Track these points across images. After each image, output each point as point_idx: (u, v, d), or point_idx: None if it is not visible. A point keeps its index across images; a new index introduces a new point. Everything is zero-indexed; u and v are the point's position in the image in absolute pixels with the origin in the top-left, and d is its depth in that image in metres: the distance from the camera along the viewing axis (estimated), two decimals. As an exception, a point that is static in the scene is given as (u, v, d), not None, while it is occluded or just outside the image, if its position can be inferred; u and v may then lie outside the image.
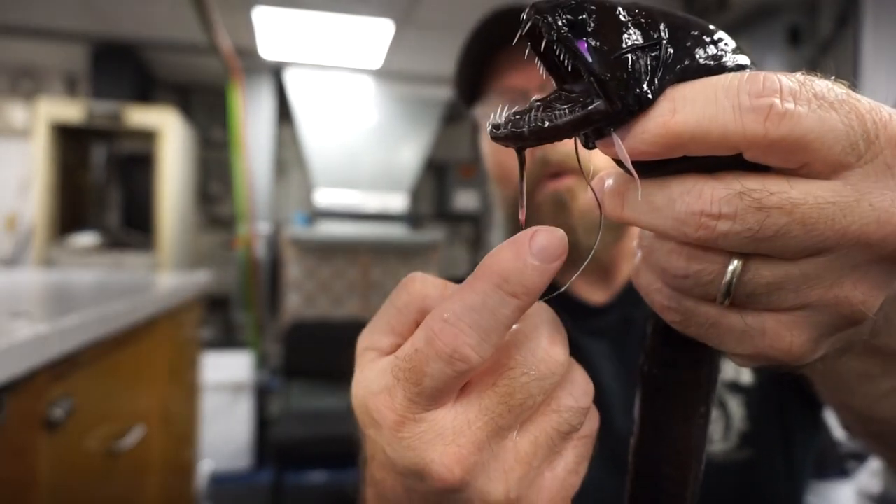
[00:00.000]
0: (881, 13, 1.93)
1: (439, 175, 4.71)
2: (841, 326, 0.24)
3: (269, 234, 3.99)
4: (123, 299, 1.24)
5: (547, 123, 0.24)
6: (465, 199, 4.49)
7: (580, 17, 0.24)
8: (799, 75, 0.23)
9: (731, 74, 0.23)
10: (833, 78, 0.24)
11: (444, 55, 3.67)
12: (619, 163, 0.25)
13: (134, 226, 3.99)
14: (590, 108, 0.23)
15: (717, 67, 0.24)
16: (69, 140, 3.60)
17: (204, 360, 2.26)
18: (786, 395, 0.72)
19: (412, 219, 4.31)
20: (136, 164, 4.07)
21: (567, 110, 0.24)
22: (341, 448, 2.97)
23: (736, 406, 0.70)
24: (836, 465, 1.58)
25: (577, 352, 0.79)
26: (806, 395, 0.72)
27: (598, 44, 0.23)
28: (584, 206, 0.70)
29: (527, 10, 0.25)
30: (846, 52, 2.05)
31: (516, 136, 0.24)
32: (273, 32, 3.40)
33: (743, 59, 0.25)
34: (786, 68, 2.13)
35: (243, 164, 3.62)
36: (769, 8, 2.16)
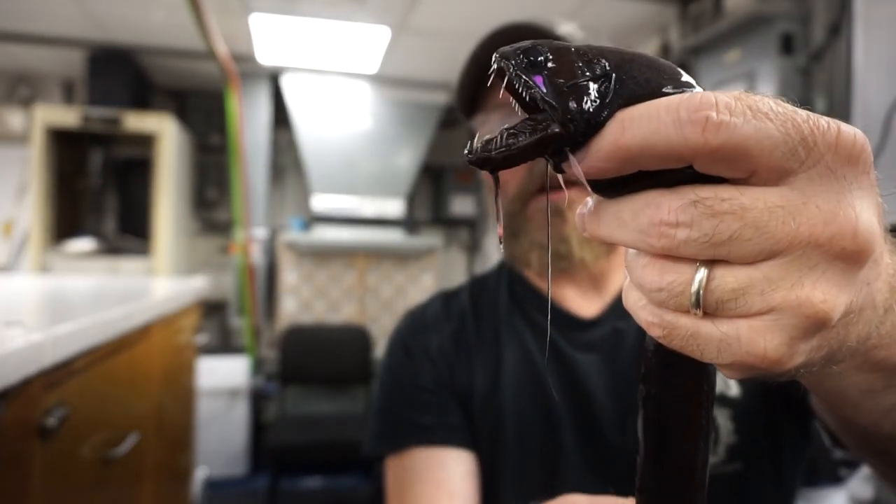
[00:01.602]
0: (873, 22, 1.94)
1: (436, 180, 4.72)
2: (810, 328, 0.25)
3: (265, 240, 3.99)
4: (119, 306, 1.25)
5: (511, 148, 0.27)
6: (461, 205, 4.49)
7: (537, 58, 0.27)
8: (736, 92, 0.25)
9: (674, 95, 0.26)
10: (768, 95, 0.26)
11: (440, 60, 3.69)
12: (583, 184, 0.28)
13: (130, 231, 3.99)
14: (547, 132, 0.26)
15: (662, 92, 0.27)
16: (66, 146, 3.60)
17: (200, 366, 2.26)
18: (774, 406, 0.72)
19: (409, 224, 4.31)
20: (133, 170, 4.07)
21: (528, 135, 0.27)
22: (337, 453, 2.97)
23: (723, 419, 0.70)
24: (829, 473, 1.58)
25: (568, 366, 0.80)
26: (794, 406, 0.73)
27: (552, 77, 0.27)
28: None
29: (493, 57, 0.28)
30: (839, 60, 2.07)
31: (486, 160, 0.28)
32: (270, 38, 3.41)
33: (689, 84, 0.27)
34: (779, 76, 2.14)
35: (240, 169, 3.63)
36: (762, 16, 2.17)
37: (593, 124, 0.26)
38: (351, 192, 4.03)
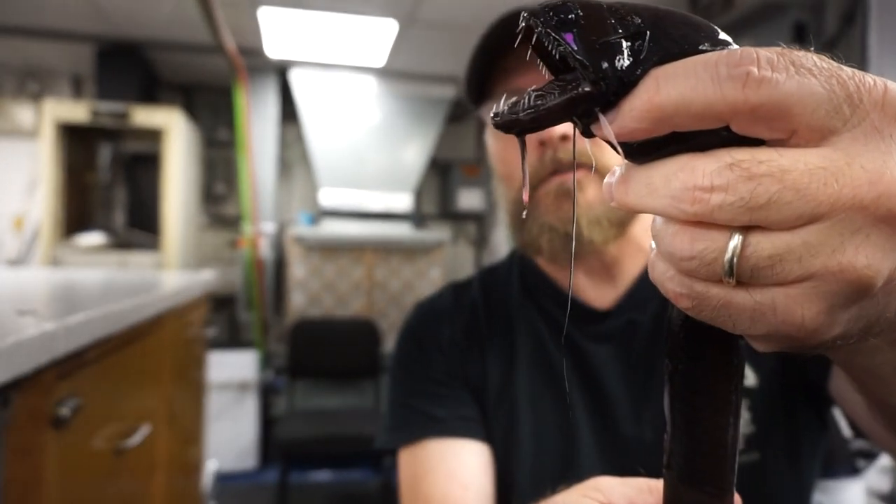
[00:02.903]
0: (887, 11, 1.92)
1: (443, 174, 4.71)
2: (851, 296, 0.24)
3: (273, 234, 4.00)
4: (129, 297, 1.25)
5: (539, 109, 0.26)
6: (469, 199, 4.48)
7: (567, 15, 0.26)
8: (778, 48, 0.24)
9: (712, 52, 0.25)
10: (812, 50, 0.25)
11: (448, 54, 3.67)
12: (614, 147, 0.27)
13: (139, 225, 4.00)
14: (577, 91, 0.25)
15: (699, 50, 0.25)
16: (75, 140, 3.62)
17: (209, 360, 2.26)
18: (792, 395, 0.71)
19: (416, 218, 4.31)
20: (142, 164, 4.08)
21: (557, 94, 0.26)
22: (346, 447, 2.98)
23: (741, 409, 0.69)
24: (846, 464, 1.57)
25: (582, 357, 0.79)
26: (812, 395, 0.72)
27: (583, 34, 0.26)
28: (591, 199, 0.70)
29: (521, 15, 0.27)
30: (852, 49, 2.04)
31: (513, 122, 0.27)
32: (278, 32, 3.41)
33: (727, 43, 0.26)
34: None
35: (248, 163, 3.63)
36: (775, 6, 2.15)
37: (626, 83, 0.25)
38: (358, 187, 4.02)
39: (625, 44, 0.25)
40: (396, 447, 0.78)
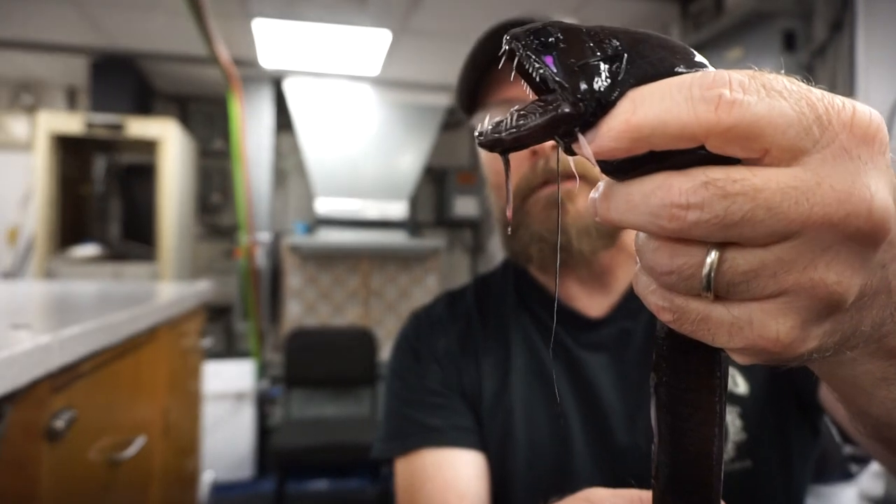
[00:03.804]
0: (875, 18, 1.94)
1: (439, 182, 4.72)
2: (823, 311, 0.25)
3: (269, 244, 3.99)
4: (124, 309, 1.25)
5: (521, 129, 0.27)
6: (464, 206, 4.49)
7: (547, 38, 0.27)
8: (750, 70, 0.25)
9: (686, 74, 0.25)
10: (783, 72, 0.26)
11: (442, 63, 3.69)
12: (598, 164, 0.28)
13: (135, 236, 4.00)
14: (557, 112, 0.26)
15: (674, 72, 0.26)
16: (70, 152, 3.61)
17: (205, 370, 2.26)
18: (782, 403, 0.72)
19: (412, 226, 4.31)
20: (137, 176, 4.08)
21: (538, 115, 0.27)
22: (343, 456, 2.97)
23: (732, 417, 0.70)
24: (839, 469, 1.57)
25: (576, 366, 0.80)
26: (803, 402, 0.72)
27: (563, 57, 0.27)
28: (581, 209, 0.71)
29: (503, 39, 0.28)
30: (841, 56, 2.06)
31: (496, 142, 0.27)
32: (272, 43, 3.42)
33: (702, 64, 0.27)
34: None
35: (243, 173, 3.63)
36: (764, 13, 2.17)
37: (604, 104, 0.26)
38: (354, 195, 4.03)
39: (603, 66, 0.26)
40: (393, 457, 0.78)
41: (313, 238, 3.95)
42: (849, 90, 1.98)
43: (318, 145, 3.95)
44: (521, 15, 0.73)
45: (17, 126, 3.95)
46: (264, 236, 3.95)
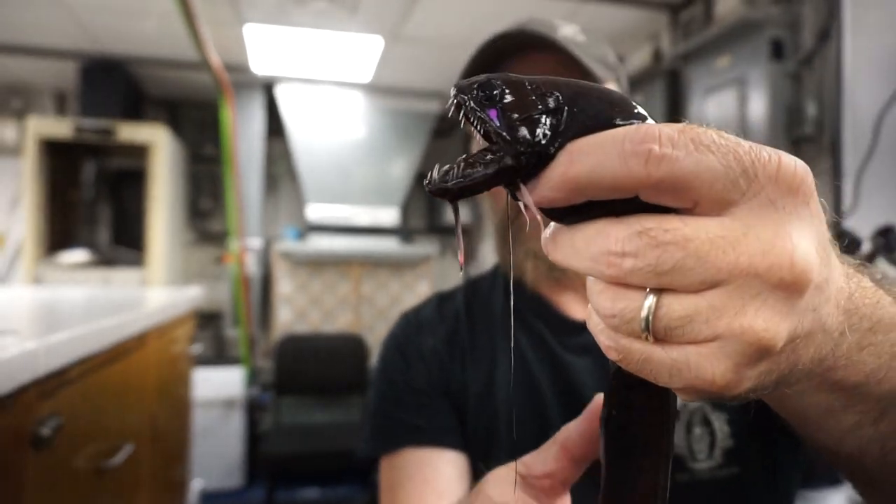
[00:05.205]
0: (862, 27, 1.97)
1: (430, 188, 4.72)
2: (754, 356, 0.26)
3: (260, 250, 3.98)
4: (113, 315, 1.24)
5: (467, 179, 0.28)
6: (456, 213, 4.50)
7: (492, 91, 0.28)
8: (680, 125, 0.26)
9: (621, 128, 0.26)
10: (711, 126, 0.27)
11: (433, 69, 3.70)
12: (543, 211, 0.29)
13: (124, 242, 3.97)
14: (500, 164, 0.27)
15: (613, 124, 0.27)
16: (59, 157, 3.59)
17: (195, 376, 2.24)
18: (770, 409, 0.72)
19: (403, 232, 4.31)
20: (126, 181, 4.06)
21: (482, 167, 0.28)
22: (333, 463, 2.95)
23: (720, 423, 0.70)
24: (827, 474, 1.58)
25: (561, 369, 0.80)
26: None
27: (506, 111, 0.28)
28: None
29: (451, 90, 0.29)
30: (829, 64, 2.09)
31: (444, 191, 0.29)
32: (263, 48, 3.42)
33: (640, 116, 0.28)
34: (769, 81, 2.15)
35: (234, 179, 3.62)
36: (752, 23, 2.19)
37: (544, 156, 0.27)
38: (345, 202, 4.03)
39: (544, 119, 0.27)
40: (377, 456, 0.78)
41: (304, 244, 3.94)
42: (836, 98, 2.00)
43: (309, 151, 3.95)
44: (519, 22, 0.73)
45: (6, 131, 3.92)
46: (255, 242, 3.93)
